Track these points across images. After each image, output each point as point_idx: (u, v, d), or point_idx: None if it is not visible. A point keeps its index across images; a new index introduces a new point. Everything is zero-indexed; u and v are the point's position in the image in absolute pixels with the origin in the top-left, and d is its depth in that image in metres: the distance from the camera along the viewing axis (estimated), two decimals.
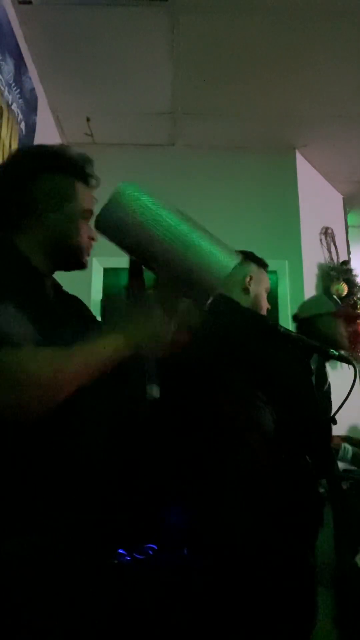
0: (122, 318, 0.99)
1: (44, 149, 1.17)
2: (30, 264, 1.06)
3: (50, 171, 1.10)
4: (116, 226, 0.99)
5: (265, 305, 1.83)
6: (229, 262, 0.97)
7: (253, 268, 1.82)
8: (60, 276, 1.20)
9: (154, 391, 1.05)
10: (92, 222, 1.10)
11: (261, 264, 1.85)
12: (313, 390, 1.70)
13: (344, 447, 2.18)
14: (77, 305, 1.20)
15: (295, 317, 2.50)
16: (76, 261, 1.13)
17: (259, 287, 1.81)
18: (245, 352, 1.47)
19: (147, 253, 0.99)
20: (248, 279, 1.78)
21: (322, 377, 2.14)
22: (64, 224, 1.09)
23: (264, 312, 1.82)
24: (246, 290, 1.77)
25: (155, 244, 0.96)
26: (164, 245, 0.96)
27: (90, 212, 1.12)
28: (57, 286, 1.18)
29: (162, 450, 1.39)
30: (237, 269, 1.80)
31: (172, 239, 0.96)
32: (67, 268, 1.14)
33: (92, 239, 1.13)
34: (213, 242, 0.99)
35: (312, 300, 2.63)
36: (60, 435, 0.95)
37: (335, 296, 2.56)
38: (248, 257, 1.84)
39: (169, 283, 0.99)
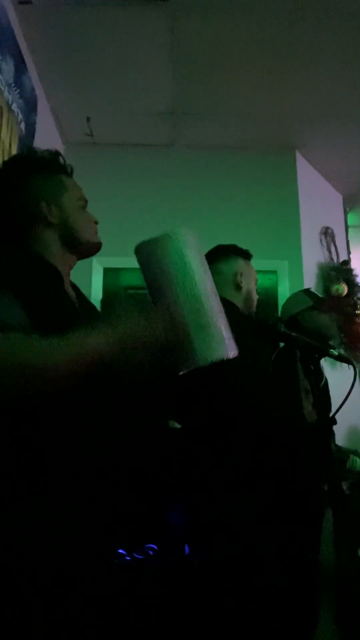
0: (121, 315, 0.94)
1: (21, 157, 1.22)
2: (48, 261, 1.08)
3: (36, 171, 1.13)
4: (152, 261, 1.01)
5: (255, 297, 1.80)
6: (215, 354, 0.97)
7: (241, 263, 1.77)
8: None
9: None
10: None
11: (247, 256, 1.81)
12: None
13: (353, 459, 2.17)
14: (92, 307, 1.22)
15: (280, 321, 2.48)
16: (91, 244, 1.15)
17: (250, 281, 1.77)
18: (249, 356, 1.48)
19: (160, 292, 1.00)
20: (239, 276, 1.73)
21: (318, 373, 2.14)
22: (71, 214, 1.12)
23: (254, 303, 1.79)
24: (238, 287, 1.73)
25: (172, 291, 0.98)
26: (179, 299, 0.97)
27: (84, 198, 1.17)
28: (75, 287, 1.19)
29: (163, 450, 1.38)
30: (225, 267, 1.73)
31: (187, 299, 0.97)
32: (87, 253, 1.17)
33: (96, 222, 1.18)
34: (219, 327, 1.00)
35: (290, 300, 2.60)
36: (64, 437, 0.95)
37: (314, 291, 2.52)
38: (233, 251, 1.78)
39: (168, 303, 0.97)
